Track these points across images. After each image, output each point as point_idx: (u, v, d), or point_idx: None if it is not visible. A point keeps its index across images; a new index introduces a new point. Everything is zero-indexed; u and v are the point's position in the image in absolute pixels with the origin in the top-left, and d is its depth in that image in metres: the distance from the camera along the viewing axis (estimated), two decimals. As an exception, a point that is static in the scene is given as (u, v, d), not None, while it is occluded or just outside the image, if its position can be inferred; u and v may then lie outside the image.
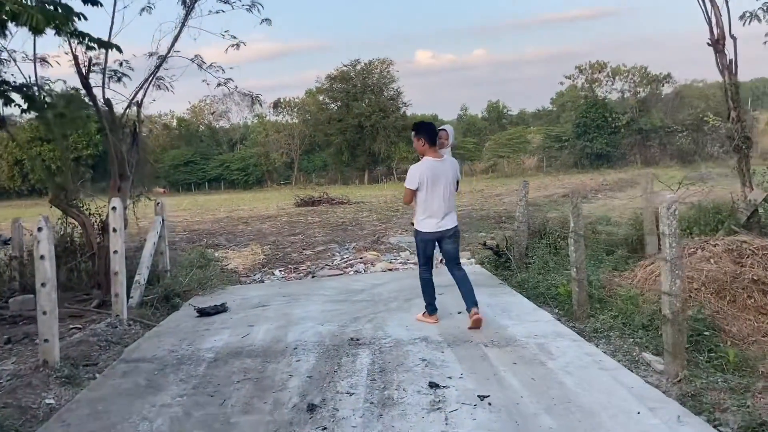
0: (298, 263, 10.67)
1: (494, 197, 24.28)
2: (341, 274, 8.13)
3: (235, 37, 7.75)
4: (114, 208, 5.78)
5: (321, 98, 56.88)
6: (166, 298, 6.80)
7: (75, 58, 7.24)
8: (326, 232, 14.87)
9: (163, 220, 7.66)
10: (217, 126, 73.57)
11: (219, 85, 8.14)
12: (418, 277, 5.66)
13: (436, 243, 5.52)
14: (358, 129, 52.01)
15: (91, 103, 7.50)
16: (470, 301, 5.24)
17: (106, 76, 7.64)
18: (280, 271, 9.51)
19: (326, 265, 9.18)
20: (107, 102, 7.57)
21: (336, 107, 54.85)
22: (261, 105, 8.20)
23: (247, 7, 7.88)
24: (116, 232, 5.76)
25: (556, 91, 61.47)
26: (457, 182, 5.60)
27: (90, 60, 7.35)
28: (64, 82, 8.22)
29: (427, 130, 5.42)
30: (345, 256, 9.77)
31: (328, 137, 54.94)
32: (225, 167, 63.61)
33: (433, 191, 5.30)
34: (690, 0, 7.00)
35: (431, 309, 5.56)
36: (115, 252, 5.77)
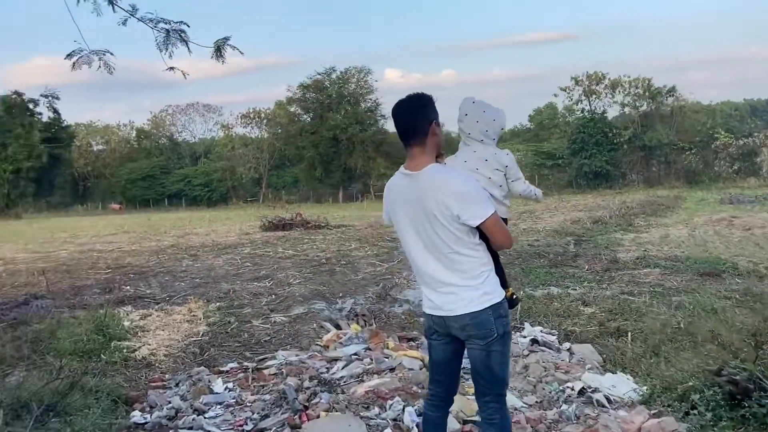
0: (262, 348, 6.16)
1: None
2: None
3: None
4: None
5: (293, 109, 52.30)
6: None
7: None
8: (305, 275, 10.31)
9: None
10: (180, 138, 68.39)
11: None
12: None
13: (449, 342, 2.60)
14: (333, 142, 47.53)
15: None
16: None
17: None
18: (225, 377, 4.93)
19: (323, 383, 4.47)
20: None
21: (309, 119, 50.34)
22: (188, 46, 3.82)
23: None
24: None
25: (533, 108, 58.99)
26: (486, 220, 2.40)
27: None
28: None
29: (396, 112, 2.52)
30: (350, 348, 5.15)
31: (300, 151, 50.30)
32: (186, 182, 58.52)
33: (404, 235, 2.57)
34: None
35: None
36: None
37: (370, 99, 50.02)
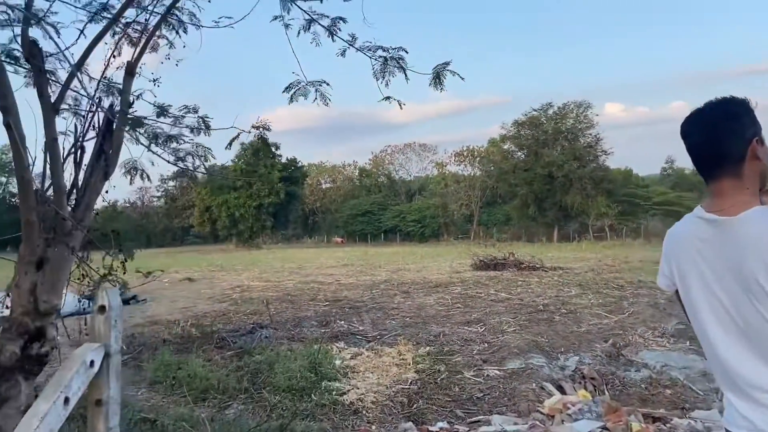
0: (475, 406, 5.54)
1: None
2: None
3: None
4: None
5: (506, 146, 51.69)
6: None
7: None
8: (520, 323, 9.45)
9: (107, 355, 2.81)
10: (397, 176, 72.10)
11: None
12: None
13: None
14: (548, 179, 45.62)
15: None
16: None
17: None
18: (434, 441, 4.38)
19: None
20: (32, 48, 3.19)
21: (523, 155, 49.16)
22: (405, 73, 3.44)
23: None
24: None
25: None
26: None
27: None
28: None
29: (688, 130, 1.70)
30: (581, 425, 4.26)
31: (513, 188, 49.28)
32: (401, 218, 61.10)
33: (699, 309, 1.65)
34: None
35: None
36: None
37: (590, 134, 47.24)
